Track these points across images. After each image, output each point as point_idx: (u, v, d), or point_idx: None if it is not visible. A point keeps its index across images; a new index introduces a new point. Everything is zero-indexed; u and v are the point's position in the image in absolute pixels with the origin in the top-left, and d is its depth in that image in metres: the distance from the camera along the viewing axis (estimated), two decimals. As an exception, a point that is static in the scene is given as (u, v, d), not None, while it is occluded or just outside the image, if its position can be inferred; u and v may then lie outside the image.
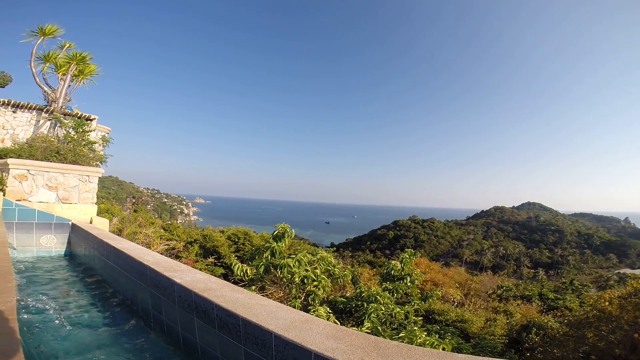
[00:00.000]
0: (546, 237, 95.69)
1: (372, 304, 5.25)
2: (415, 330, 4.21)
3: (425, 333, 4.33)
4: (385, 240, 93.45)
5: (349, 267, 7.02)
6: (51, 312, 3.16)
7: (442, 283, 15.63)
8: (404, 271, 6.95)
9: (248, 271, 5.80)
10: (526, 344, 8.89)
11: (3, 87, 10.18)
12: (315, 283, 5.39)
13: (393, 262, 7.26)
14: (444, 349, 4.17)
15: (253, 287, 5.77)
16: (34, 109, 9.46)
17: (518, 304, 14.74)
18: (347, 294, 7.28)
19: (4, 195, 5.43)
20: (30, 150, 6.25)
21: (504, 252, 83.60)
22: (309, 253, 5.92)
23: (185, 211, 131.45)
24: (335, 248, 9.21)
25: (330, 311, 5.00)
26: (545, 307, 15.70)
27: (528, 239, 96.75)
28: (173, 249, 11.55)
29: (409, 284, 6.81)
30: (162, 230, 13.22)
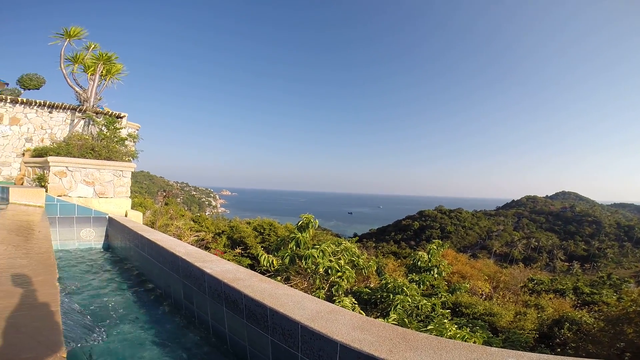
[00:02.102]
0: (582, 229, 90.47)
1: (398, 296, 5.21)
2: (445, 322, 4.15)
3: (455, 326, 4.25)
4: (410, 231, 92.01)
5: (373, 258, 7.01)
6: (89, 300, 3.37)
7: (470, 275, 15.29)
8: (430, 262, 6.84)
9: (274, 262, 5.91)
10: (557, 339, 8.55)
11: (38, 89, 10.81)
12: (339, 274, 5.41)
13: (420, 253, 7.18)
14: (474, 342, 4.09)
15: (278, 278, 5.87)
16: (68, 108, 10.00)
17: (550, 298, 14.15)
18: (372, 285, 7.27)
19: (46, 191, 5.81)
20: (67, 148, 6.63)
21: (536, 244, 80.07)
22: (332, 244, 5.93)
23: (213, 203, 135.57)
24: (358, 238, 9.19)
25: (355, 302, 5.02)
26: (579, 302, 14.97)
27: (562, 231, 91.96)
28: (202, 240, 11.98)
29: (435, 276, 6.71)
30: (191, 222, 13.73)
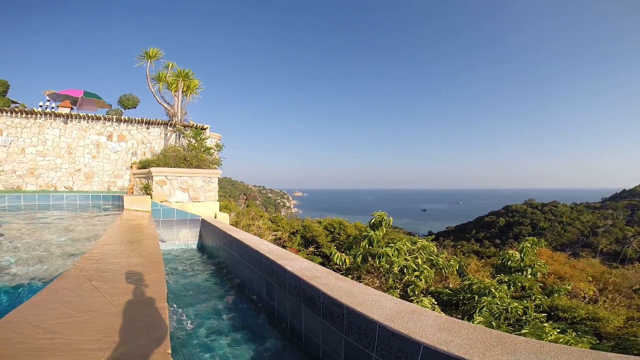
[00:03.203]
0: None
1: (484, 297, 4.80)
2: (544, 326, 3.68)
3: (558, 330, 3.76)
4: (495, 228, 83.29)
5: (454, 257, 6.57)
6: (183, 292, 3.81)
7: (570, 276, 13.32)
8: (523, 262, 6.15)
9: (347, 260, 5.95)
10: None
11: (135, 107, 12.70)
12: (416, 273, 5.20)
13: (510, 251, 6.52)
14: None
15: (350, 276, 5.88)
16: (161, 124, 11.56)
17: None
18: (450, 286, 6.84)
19: (151, 198, 6.80)
20: (165, 160, 7.66)
21: (657, 240, 65.34)
22: (408, 242, 5.73)
23: (287, 204, 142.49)
24: (434, 237, 8.72)
25: (435, 302, 4.78)
26: None
27: (694, 225, 73.41)
28: (279, 239, 12.71)
29: (529, 277, 6.00)
30: (269, 222, 14.65)
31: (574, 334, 4.05)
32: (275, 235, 12.49)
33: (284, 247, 12.08)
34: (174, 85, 10.39)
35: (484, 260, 15.60)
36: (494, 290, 4.94)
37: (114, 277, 2.25)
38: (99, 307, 1.70)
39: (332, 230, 17.55)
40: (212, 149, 8.82)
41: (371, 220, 5.79)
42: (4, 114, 9.92)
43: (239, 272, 4.29)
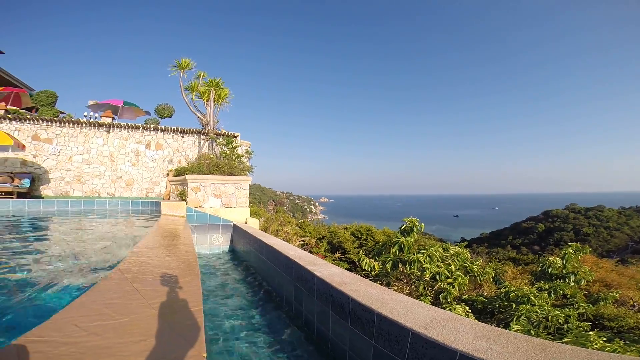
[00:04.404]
0: None
1: (522, 305, 4.56)
2: (589, 334, 3.43)
3: (604, 338, 3.49)
4: (534, 234, 78.47)
5: (490, 264, 6.31)
6: (215, 293, 3.95)
7: (617, 284, 12.32)
8: (566, 269, 5.80)
9: (376, 266, 5.87)
10: None
11: (170, 117, 13.33)
12: (449, 280, 5.04)
13: (551, 258, 6.17)
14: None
15: (378, 283, 5.80)
16: (195, 132, 12.08)
17: None
18: (485, 293, 6.55)
19: (186, 204, 7.12)
20: (199, 167, 7.99)
21: None
22: (440, 248, 5.58)
23: (314, 210, 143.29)
24: (467, 243, 8.41)
25: (469, 310, 4.59)
26: None
27: None
28: (306, 244, 12.77)
29: (572, 284, 5.63)
30: (297, 228, 14.79)
31: (622, 342, 3.74)
32: (303, 240, 12.58)
33: (310, 252, 12.12)
34: (206, 95, 10.83)
35: (521, 267, 14.82)
36: (533, 298, 4.67)
37: (153, 279, 2.35)
38: (139, 310, 1.76)
39: (359, 236, 17.40)
40: (243, 156, 9.09)
41: (402, 226, 5.69)
42: (54, 124, 10.82)
43: (268, 276, 4.35)
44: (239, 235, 6.46)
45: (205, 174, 7.66)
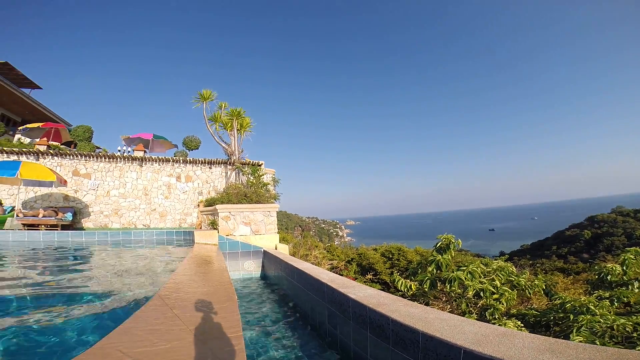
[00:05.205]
0: None
1: (582, 316, 4.21)
2: None
3: None
4: (580, 242, 72.86)
5: (538, 276, 5.94)
6: (250, 318, 3.96)
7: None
8: (626, 275, 5.36)
9: (412, 287, 5.66)
10: None
11: (197, 149, 13.93)
12: (495, 296, 4.77)
13: (609, 265, 5.75)
14: None
15: (416, 303, 5.55)
16: (221, 163, 12.53)
17: None
18: (534, 307, 6.14)
19: (218, 232, 7.31)
20: (228, 197, 8.23)
21: None
22: (482, 264, 5.34)
23: (340, 233, 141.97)
24: (507, 257, 7.95)
25: (522, 325, 4.28)
26: None
27: None
28: (335, 267, 12.57)
29: (636, 291, 5.18)
30: (325, 252, 14.68)
31: None
32: (332, 264, 12.41)
33: (340, 275, 11.88)
34: (229, 125, 11.27)
35: (572, 277, 13.81)
36: (593, 308, 4.30)
37: (191, 305, 2.38)
38: (180, 336, 1.78)
39: (390, 256, 16.93)
40: (269, 184, 9.29)
41: (437, 243, 5.51)
42: (92, 159, 11.62)
43: (300, 301, 4.32)
44: (269, 260, 6.50)
45: (234, 203, 7.87)
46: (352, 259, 16.52)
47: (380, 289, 12.16)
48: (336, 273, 11.72)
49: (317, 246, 14.88)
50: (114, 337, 1.73)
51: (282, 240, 10.96)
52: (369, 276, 14.32)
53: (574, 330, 4.00)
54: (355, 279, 12.46)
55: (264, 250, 7.00)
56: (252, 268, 6.96)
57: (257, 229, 7.67)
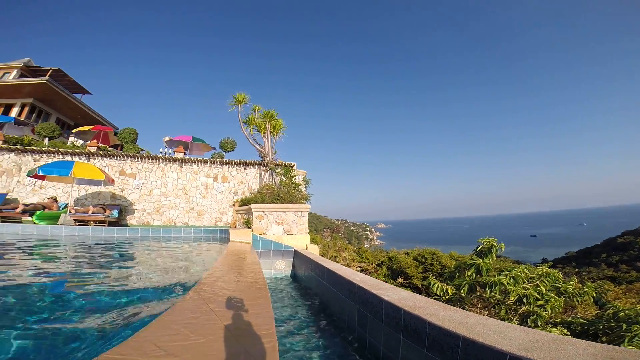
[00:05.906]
0: None
1: (636, 325, 3.85)
2: None
3: None
4: (634, 250, 66.45)
5: (588, 283, 5.50)
6: (278, 315, 3.94)
7: None
8: None
9: (449, 291, 5.45)
10: None
11: (233, 150, 14.37)
12: (539, 302, 4.47)
13: None
14: None
15: (454, 307, 5.33)
16: (255, 164, 12.82)
17: None
18: (578, 316, 5.67)
19: (252, 231, 7.49)
20: (262, 197, 8.41)
21: None
22: (526, 269, 5.05)
23: (370, 236, 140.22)
24: (551, 264, 7.44)
25: (568, 333, 3.97)
26: None
27: None
28: (365, 270, 12.41)
29: None
30: (354, 254, 14.54)
31: None
32: (361, 266, 12.26)
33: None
34: (262, 127, 11.58)
35: (624, 286, 12.67)
36: None
37: (226, 301, 2.44)
38: (214, 331, 1.79)
39: (423, 261, 16.42)
40: (300, 185, 9.38)
41: (477, 247, 5.28)
42: (136, 160, 12.40)
43: (329, 301, 4.30)
44: (300, 260, 6.55)
45: (267, 203, 8.04)
46: (382, 262, 16.23)
47: (412, 293, 11.87)
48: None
49: (346, 248, 14.78)
50: (151, 329, 1.77)
51: (312, 241, 11.02)
52: (400, 280, 13.98)
53: (626, 340, 3.66)
54: (385, 282, 12.22)
55: (295, 250, 7.07)
56: (283, 267, 7.05)
57: (288, 228, 7.77)
